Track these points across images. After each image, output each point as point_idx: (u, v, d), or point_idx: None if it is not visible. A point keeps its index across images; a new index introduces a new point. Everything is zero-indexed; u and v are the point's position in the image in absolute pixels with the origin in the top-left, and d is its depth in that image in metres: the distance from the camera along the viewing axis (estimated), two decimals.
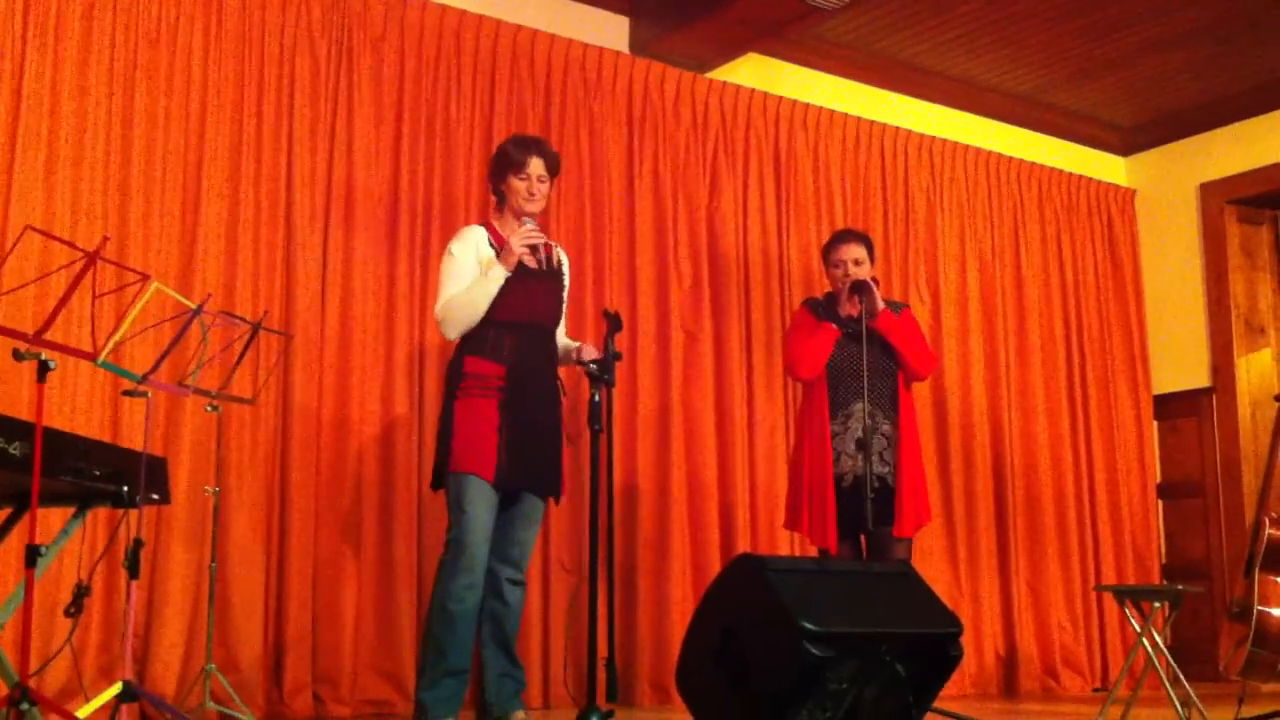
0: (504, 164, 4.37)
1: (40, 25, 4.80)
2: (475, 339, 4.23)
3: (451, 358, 4.34)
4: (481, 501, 4.10)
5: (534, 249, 4.28)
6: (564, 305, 4.47)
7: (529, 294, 4.26)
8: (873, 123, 7.05)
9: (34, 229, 3.81)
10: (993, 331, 7.26)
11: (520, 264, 4.25)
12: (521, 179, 4.32)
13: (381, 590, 5.18)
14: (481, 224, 4.42)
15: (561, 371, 4.44)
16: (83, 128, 4.83)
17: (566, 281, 4.50)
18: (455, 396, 4.20)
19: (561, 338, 4.46)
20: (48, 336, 3.25)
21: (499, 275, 4.18)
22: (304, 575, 5.03)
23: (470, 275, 4.22)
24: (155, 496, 3.87)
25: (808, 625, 3.65)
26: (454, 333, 4.22)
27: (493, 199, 4.48)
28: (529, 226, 4.26)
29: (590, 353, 4.26)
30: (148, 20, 5.03)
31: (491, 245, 4.29)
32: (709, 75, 6.51)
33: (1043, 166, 7.74)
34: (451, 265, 4.27)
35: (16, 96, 4.72)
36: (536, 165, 4.34)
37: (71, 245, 3.50)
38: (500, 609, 4.23)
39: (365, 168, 5.42)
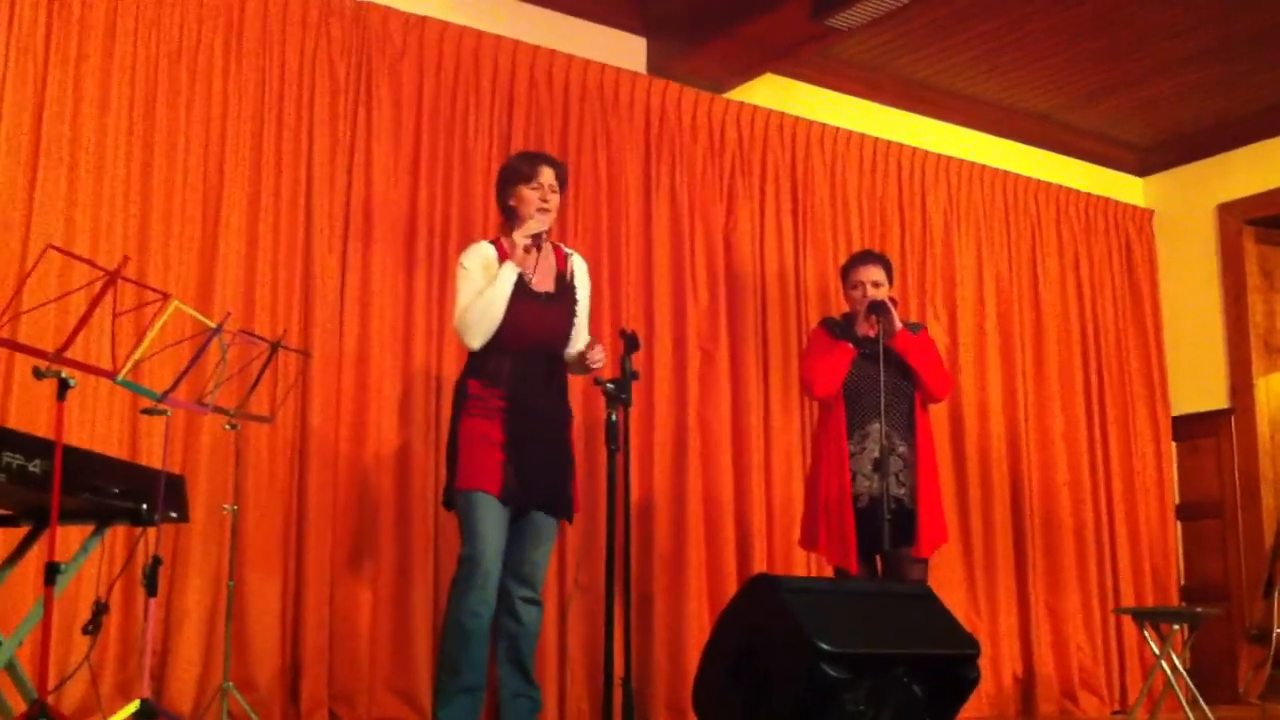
0: (513, 177, 4.37)
1: (62, 45, 4.83)
2: (477, 364, 4.24)
3: (457, 379, 4.35)
4: (490, 517, 4.10)
5: (536, 238, 4.27)
6: (576, 321, 4.42)
7: (532, 318, 4.23)
8: (889, 143, 7.05)
9: (55, 248, 3.85)
10: (1010, 352, 7.25)
11: (526, 288, 4.25)
12: (533, 188, 4.31)
13: (398, 608, 5.19)
14: (491, 241, 4.41)
15: (577, 387, 4.44)
16: (103, 147, 4.87)
17: (582, 295, 4.45)
18: (460, 417, 4.21)
19: (573, 348, 4.43)
20: (68, 355, 3.28)
21: (510, 274, 4.19)
22: (321, 593, 5.03)
23: (483, 284, 4.23)
24: (173, 514, 3.89)
25: (824, 646, 3.65)
26: (475, 339, 4.19)
27: (501, 217, 4.47)
28: (534, 222, 4.27)
29: (597, 353, 4.26)
30: (168, 40, 5.07)
31: (499, 262, 4.28)
32: (725, 96, 6.52)
33: (1060, 187, 7.73)
34: (465, 276, 4.27)
35: (38, 116, 4.76)
36: (547, 174, 4.34)
37: (92, 264, 3.53)
38: (515, 628, 4.22)
39: (384, 187, 5.44)
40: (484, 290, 4.19)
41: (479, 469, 4.12)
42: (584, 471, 4.40)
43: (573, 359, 4.39)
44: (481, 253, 4.32)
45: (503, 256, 4.29)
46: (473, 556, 4.08)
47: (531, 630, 4.27)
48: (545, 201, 4.31)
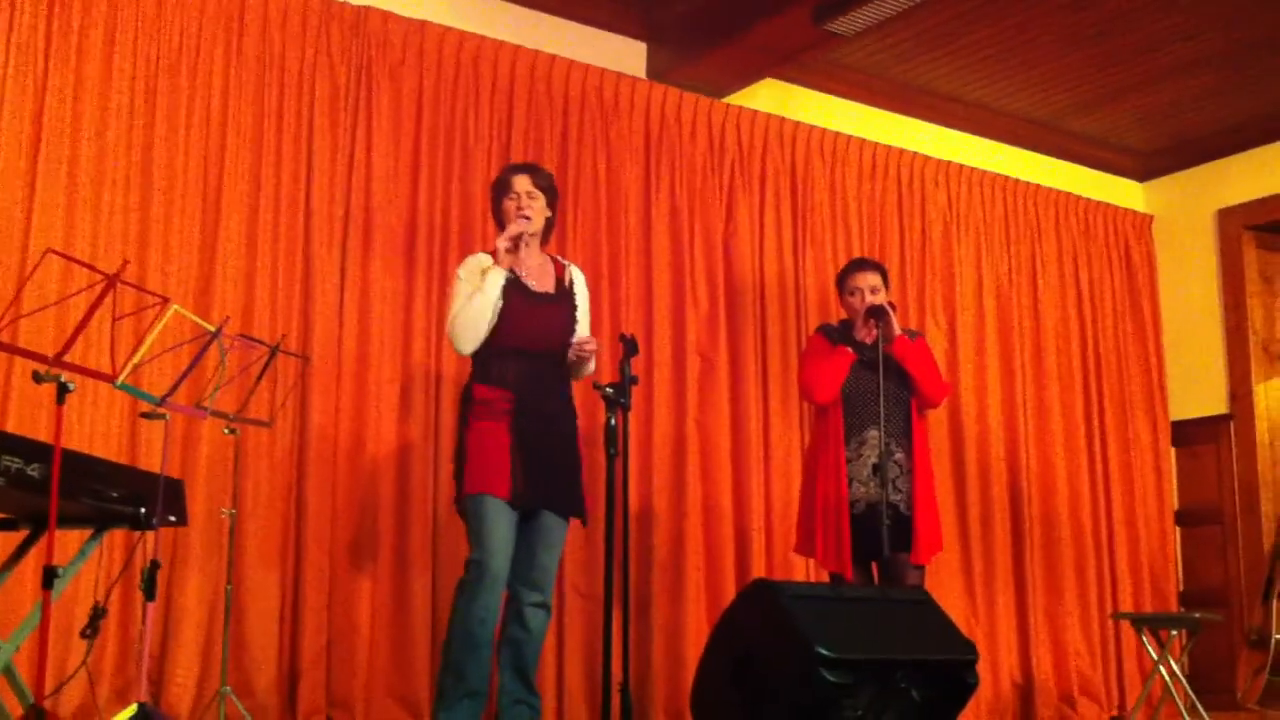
0: (496, 193, 4.47)
1: (62, 49, 4.83)
2: (482, 367, 4.26)
3: (464, 386, 4.36)
4: (500, 521, 4.10)
5: (517, 239, 4.28)
6: (577, 325, 4.43)
7: (534, 319, 4.26)
8: (889, 148, 7.05)
9: (55, 252, 3.85)
10: (1009, 357, 7.25)
11: (526, 289, 4.27)
12: (510, 199, 4.38)
13: (396, 613, 5.18)
14: (490, 252, 4.40)
15: (577, 393, 4.45)
16: (103, 151, 4.87)
17: (581, 301, 4.47)
18: (467, 422, 4.22)
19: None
20: (67, 359, 3.27)
21: (497, 277, 4.21)
22: (319, 598, 5.03)
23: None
24: (172, 518, 3.89)
25: (824, 651, 3.65)
26: (466, 346, 4.22)
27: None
28: (511, 226, 4.29)
29: (589, 343, 4.28)
30: (169, 44, 5.07)
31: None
32: (726, 101, 6.52)
33: (1059, 192, 7.73)
34: (457, 286, 4.31)
35: (38, 120, 4.76)
36: (522, 182, 4.39)
37: (91, 268, 3.53)
38: (520, 634, 4.21)
39: (383, 192, 5.44)
40: (472, 295, 4.21)
41: (487, 472, 4.12)
42: (584, 476, 4.40)
43: (571, 360, 4.40)
44: (477, 263, 4.34)
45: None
46: (481, 560, 4.08)
47: (537, 637, 4.26)
48: (521, 209, 4.35)
